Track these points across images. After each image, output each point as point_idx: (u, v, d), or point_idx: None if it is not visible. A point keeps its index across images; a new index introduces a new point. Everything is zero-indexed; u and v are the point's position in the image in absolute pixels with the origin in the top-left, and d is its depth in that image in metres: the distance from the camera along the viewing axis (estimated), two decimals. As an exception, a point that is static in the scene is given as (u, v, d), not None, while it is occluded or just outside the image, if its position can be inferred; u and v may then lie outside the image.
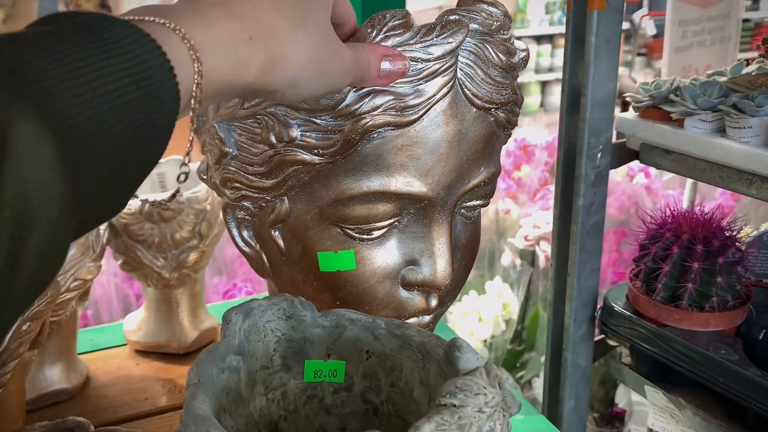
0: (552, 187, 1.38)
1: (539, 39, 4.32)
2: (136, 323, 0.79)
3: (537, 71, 4.33)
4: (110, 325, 0.87)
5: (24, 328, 0.45)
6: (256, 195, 0.48)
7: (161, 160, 0.81)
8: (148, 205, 0.70)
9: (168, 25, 0.29)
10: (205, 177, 0.54)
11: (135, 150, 0.27)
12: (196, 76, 0.29)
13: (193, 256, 0.75)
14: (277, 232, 0.49)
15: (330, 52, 0.36)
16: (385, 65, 0.39)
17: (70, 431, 0.47)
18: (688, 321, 0.74)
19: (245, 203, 0.49)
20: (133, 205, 0.70)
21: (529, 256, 1.42)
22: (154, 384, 0.75)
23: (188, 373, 0.35)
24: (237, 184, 0.47)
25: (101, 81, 0.25)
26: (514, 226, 1.49)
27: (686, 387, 0.78)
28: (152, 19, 0.29)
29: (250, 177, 0.46)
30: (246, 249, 0.52)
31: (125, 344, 0.81)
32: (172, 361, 0.78)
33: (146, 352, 0.79)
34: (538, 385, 1.44)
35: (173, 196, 0.40)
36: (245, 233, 0.51)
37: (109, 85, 0.25)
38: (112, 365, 0.78)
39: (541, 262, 1.40)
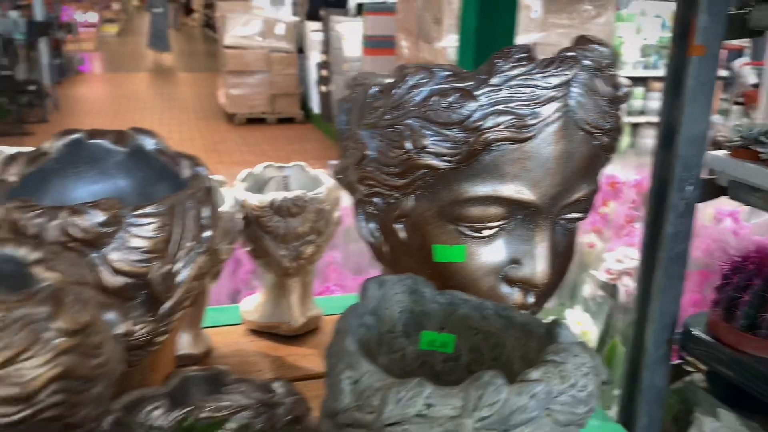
0: (637, 225, 1.42)
1: (633, 81, 4.31)
2: (253, 305, 0.90)
3: (629, 113, 4.31)
4: (228, 306, 0.98)
5: (193, 283, 0.56)
6: (387, 192, 0.56)
7: (287, 165, 0.92)
8: (279, 200, 0.80)
9: None
10: (340, 176, 0.63)
11: None
12: None
13: (310, 250, 0.84)
14: (399, 226, 0.58)
15: None
16: None
17: (216, 377, 0.57)
18: (766, 349, 0.78)
19: (375, 199, 0.58)
20: (265, 199, 0.81)
21: (610, 289, 1.45)
22: (265, 359, 0.84)
23: (337, 323, 0.44)
24: (372, 182, 0.56)
25: None
26: (597, 260, 1.53)
27: (761, 413, 0.81)
28: None
29: (384, 176, 0.55)
30: (371, 239, 0.61)
31: (241, 323, 0.91)
32: (281, 342, 0.88)
33: (259, 331, 0.90)
34: (611, 416, 1.46)
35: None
36: (371, 225, 0.60)
37: None
38: (230, 340, 0.88)
39: (622, 296, 1.43)
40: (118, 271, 0.51)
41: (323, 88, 5.80)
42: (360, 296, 0.48)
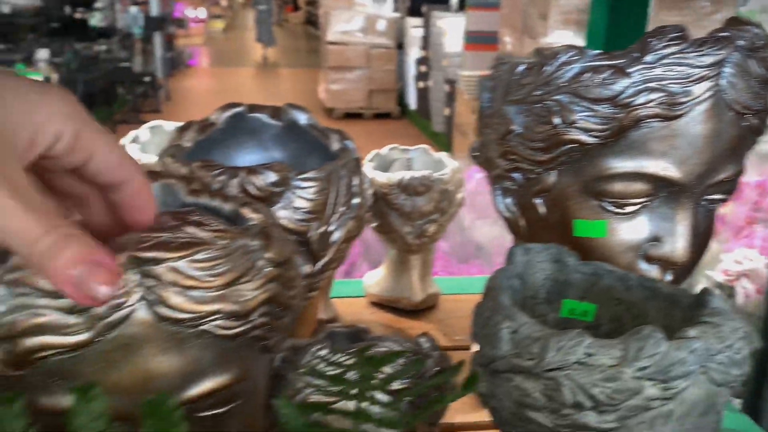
0: (759, 226, 1.37)
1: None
2: (375, 279, 0.94)
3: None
4: (350, 280, 1.03)
5: (342, 245, 0.60)
6: (529, 167, 0.59)
7: (411, 147, 0.95)
8: (407, 179, 0.84)
9: None
10: (477, 153, 0.66)
11: None
12: None
13: (433, 228, 0.88)
14: (539, 200, 0.60)
15: None
16: (82, 272, 0.27)
17: (358, 334, 0.61)
18: None
19: (515, 174, 0.61)
20: (394, 178, 0.85)
21: (727, 290, 1.41)
22: (386, 330, 0.89)
23: (488, 282, 0.47)
24: (514, 157, 0.59)
25: None
26: (714, 260, 1.49)
27: None
28: None
29: (528, 151, 0.58)
30: (506, 214, 0.63)
31: (363, 296, 0.96)
32: (401, 315, 0.92)
33: (380, 304, 0.94)
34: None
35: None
36: (508, 200, 0.63)
37: None
38: (353, 311, 0.93)
39: (740, 298, 1.39)
40: (283, 228, 0.56)
41: (421, 84, 5.84)
42: (507, 261, 0.51)
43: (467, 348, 0.79)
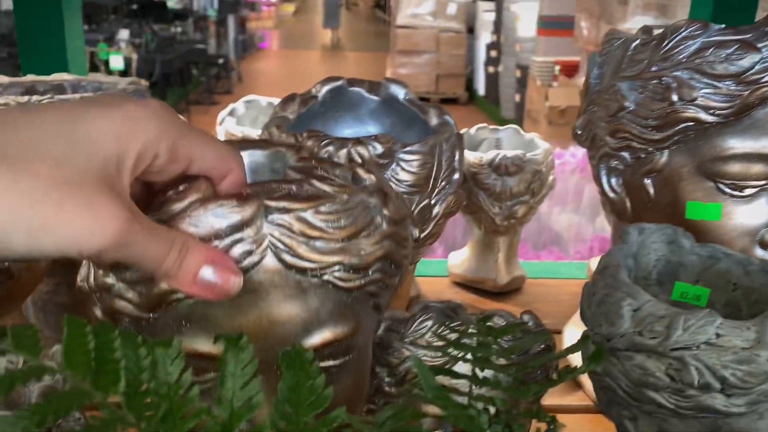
0: None
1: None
2: (460, 260, 0.94)
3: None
4: (433, 260, 1.03)
5: (441, 220, 0.60)
6: (640, 146, 0.57)
7: (500, 127, 0.94)
8: (498, 158, 0.83)
9: None
10: (580, 132, 0.65)
11: None
12: None
13: (522, 210, 0.87)
14: (648, 181, 0.58)
15: (60, 204, 0.25)
16: (207, 273, 0.30)
17: (453, 309, 0.61)
18: None
19: (624, 153, 0.59)
20: (485, 157, 0.84)
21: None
22: (471, 311, 0.88)
23: (604, 260, 0.46)
24: (625, 135, 0.57)
25: None
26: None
27: None
28: None
29: (640, 129, 0.56)
30: (611, 194, 0.62)
31: (446, 276, 0.96)
32: (485, 297, 0.91)
33: (464, 285, 0.94)
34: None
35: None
36: (613, 180, 0.61)
37: None
38: (436, 291, 0.93)
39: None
40: (387, 200, 0.56)
41: (491, 70, 5.76)
42: (621, 240, 0.50)
43: (558, 332, 0.78)
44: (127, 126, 0.28)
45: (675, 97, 0.52)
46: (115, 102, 0.29)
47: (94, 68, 4.87)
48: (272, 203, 0.33)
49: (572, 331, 0.75)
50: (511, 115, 5.34)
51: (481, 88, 6.34)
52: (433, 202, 0.59)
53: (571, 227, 1.60)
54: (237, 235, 0.32)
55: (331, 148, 0.54)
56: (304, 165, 0.37)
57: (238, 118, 0.85)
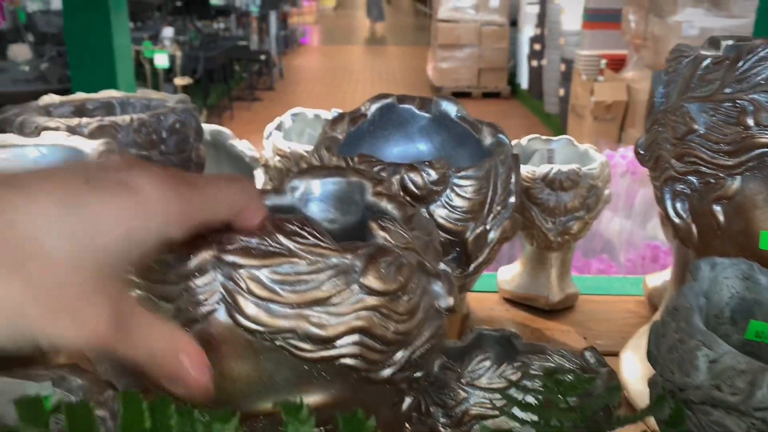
0: None
1: None
2: (510, 275, 0.91)
3: None
4: (483, 274, 1.01)
5: (496, 246, 0.58)
6: (709, 171, 0.54)
7: (553, 138, 0.91)
8: (553, 173, 0.80)
9: None
10: (642, 152, 0.62)
11: None
12: None
13: (577, 226, 0.83)
14: (718, 207, 0.55)
15: (47, 310, 0.24)
16: (194, 376, 0.29)
17: (507, 339, 0.58)
18: None
19: (691, 177, 0.56)
20: (537, 172, 0.81)
21: None
22: (524, 330, 0.86)
23: (674, 299, 0.43)
24: (693, 159, 0.54)
25: None
26: None
27: None
28: None
29: (711, 154, 0.53)
30: (676, 220, 0.58)
31: (495, 291, 0.93)
32: (536, 314, 0.89)
33: (514, 301, 0.91)
34: None
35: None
36: (679, 205, 0.58)
37: None
38: (485, 306, 0.91)
39: None
40: (440, 228, 0.54)
41: (534, 63, 5.67)
42: (691, 276, 0.47)
43: (614, 354, 0.75)
44: (128, 220, 0.27)
45: (751, 122, 0.49)
46: (117, 185, 0.27)
47: (139, 66, 4.96)
48: (226, 256, 0.31)
49: (630, 358, 0.72)
50: (555, 110, 5.24)
51: (524, 82, 6.24)
52: (488, 227, 0.57)
53: (622, 233, 1.55)
54: (186, 284, 0.31)
55: (383, 174, 0.53)
56: (281, 218, 0.33)
57: (285, 132, 0.84)
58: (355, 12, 12.54)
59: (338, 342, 0.32)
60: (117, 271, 0.27)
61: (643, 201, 1.53)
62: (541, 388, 0.37)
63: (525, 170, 0.82)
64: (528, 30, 5.85)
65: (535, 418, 0.36)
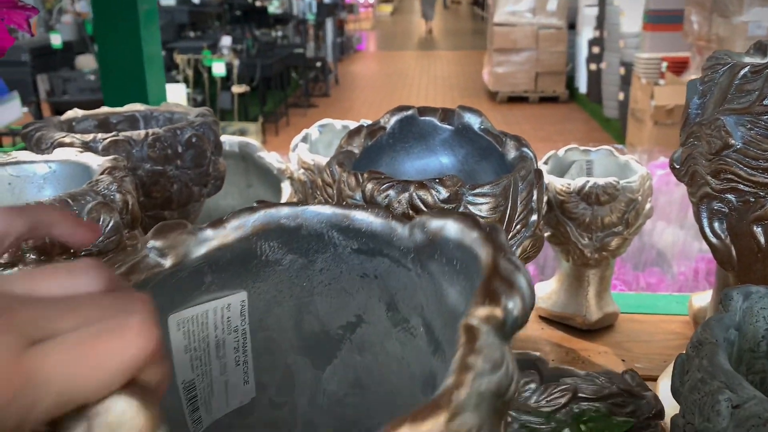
0: None
1: None
2: (546, 292, 0.87)
3: None
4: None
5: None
6: (748, 189, 0.49)
7: (592, 149, 0.87)
8: (588, 186, 0.76)
9: None
10: (678, 166, 0.57)
11: None
12: None
13: (615, 242, 0.79)
14: (759, 228, 0.50)
15: None
16: None
17: (533, 363, 0.55)
18: None
19: (729, 196, 0.51)
20: (573, 184, 0.77)
21: None
22: (559, 350, 0.82)
23: (700, 332, 0.39)
24: (730, 176, 0.50)
25: None
26: None
27: None
28: None
29: (749, 170, 0.48)
30: (714, 240, 0.54)
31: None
32: (573, 333, 0.84)
33: (550, 320, 0.87)
34: None
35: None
36: (716, 225, 0.53)
37: None
38: (519, 324, 0.87)
39: None
40: (453, 248, 0.51)
41: (593, 67, 5.53)
42: (722, 307, 0.43)
43: (653, 379, 0.70)
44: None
45: (792, 136, 0.45)
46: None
47: (198, 75, 5.08)
48: None
49: (668, 384, 0.67)
50: (615, 114, 5.09)
51: (582, 85, 6.10)
52: (506, 248, 0.53)
53: (675, 245, 1.47)
54: None
55: (391, 192, 0.50)
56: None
57: (311, 144, 0.82)
58: (412, 17, 12.54)
59: None
60: None
61: (699, 212, 1.45)
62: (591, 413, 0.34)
63: (560, 183, 0.78)
64: (587, 33, 5.71)
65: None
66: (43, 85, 5.04)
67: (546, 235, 0.83)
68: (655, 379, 0.71)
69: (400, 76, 7.86)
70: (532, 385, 0.45)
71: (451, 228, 0.31)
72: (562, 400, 0.46)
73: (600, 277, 0.83)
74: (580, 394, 0.43)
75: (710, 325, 0.40)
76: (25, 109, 3.60)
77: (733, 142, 0.48)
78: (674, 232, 1.53)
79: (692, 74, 3.80)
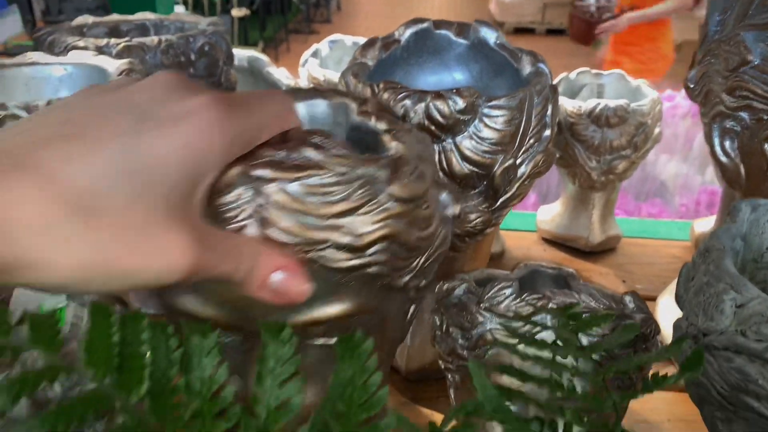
0: None
1: None
2: (551, 215, 0.89)
3: None
4: (521, 212, 0.98)
5: (527, 181, 0.55)
6: (762, 106, 0.50)
7: (603, 72, 0.86)
8: (599, 108, 0.76)
9: None
10: (692, 86, 0.57)
11: None
12: None
13: (623, 165, 0.80)
14: (770, 147, 0.51)
15: (131, 252, 0.25)
16: (275, 281, 0.30)
17: (563, 277, 0.56)
18: None
19: (742, 114, 0.51)
20: (584, 106, 0.77)
21: None
22: (560, 270, 0.83)
23: (708, 241, 0.40)
24: (746, 93, 0.50)
25: None
26: None
27: None
28: None
29: (765, 87, 0.48)
30: (723, 159, 0.55)
31: (534, 231, 0.91)
32: (575, 255, 0.86)
33: (553, 242, 0.89)
34: None
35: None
36: (727, 143, 0.54)
37: None
38: (523, 246, 0.89)
39: None
40: (467, 159, 0.52)
41: (602, -1, 5.39)
42: (729, 217, 0.44)
43: (652, 299, 0.72)
44: (191, 149, 0.27)
45: (812, 52, 0.45)
46: (169, 121, 0.27)
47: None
48: (253, 171, 0.30)
49: (667, 303, 0.69)
50: (622, 49, 5.00)
51: (590, 18, 5.96)
52: (518, 161, 0.54)
53: (677, 177, 1.48)
54: (214, 202, 0.30)
55: (408, 102, 0.50)
56: (306, 131, 0.33)
57: (321, 60, 0.82)
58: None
59: (368, 250, 0.33)
60: (185, 200, 0.27)
61: (703, 144, 1.46)
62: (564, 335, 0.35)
63: (571, 105, 0.78)
64: (597, -38, 5.54)
65: (545, 354, 0.34)
66: (39, 6, 4.92)
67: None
68: (654, 299, 0.73)
69: (403, 4, 7.66)
70: (507, 291, 0.47)
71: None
72: (529, 310, 0.47)
73: (605, 201, 0.84)
74: (550, 306, 0.45)
75: (718, 234, 0.41)
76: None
77: (751, 58, 0.48)
78: (678, 165, 1.54)
79: (702, 9, 3.71)
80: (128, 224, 0.25)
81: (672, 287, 0.71)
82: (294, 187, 0.31)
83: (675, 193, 1.44)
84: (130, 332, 0.23)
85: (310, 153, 0.32)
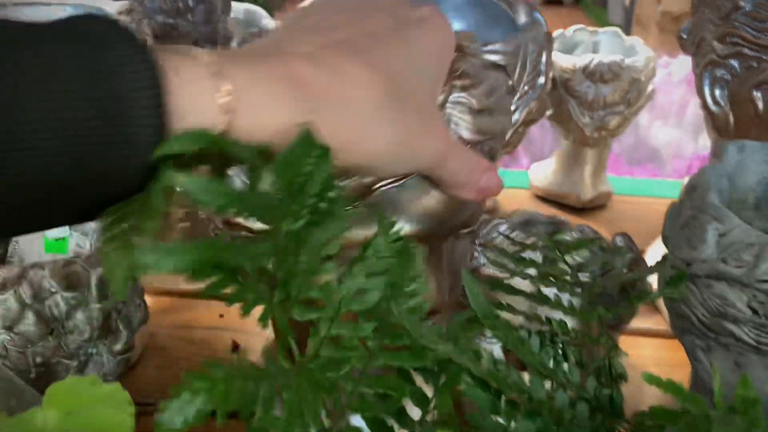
0: None
1: None
2: (543, 172, 0.90)
3: None
4: (514, 171, 0.99)
5: (521, 128, 0.57)
6: (753, 54, 0.51)
7: (599, 29, 0.87)
8: (593, 64, 0.77)
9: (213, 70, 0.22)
10: (685, 36, 0.58)
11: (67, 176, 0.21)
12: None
13: (615, 121, 0.81)
14: (758, 93, 0.52)
15: (422, 134, 0.28)
16: (485, 182, 0.32)
17: (557, 225, 0.57)
18: None
19: (732, 61, 0.52)
20: (578, 62, 0.78)
21: None
22: (551, 225, 0.85)
23: (693, 179, 0.42)
24: (737, 39, 0.51)
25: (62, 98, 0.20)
26: None
27: None
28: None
29: (755, 33, 0.49)
30: (713, 107, 0.56)
31: (526, 188, 0.92)
32: (567, 212, 0.87)
33: (545, 199, 0.90)
34: None
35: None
36: (717, 91, 0.55)
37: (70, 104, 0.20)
38: (515, 203, 0.90)
39: None
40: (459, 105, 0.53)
41: (601, -30, 5.34)
42: (716, 157, 0.45)
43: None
44: (443, 46, 0.30)
45: (802, -3, 0.45)
46: (421, 22, 0.29)
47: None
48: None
49: (656, 253, 0.71)
50: (620, 20, 4.96)
51: (588, -11, 5.91)
52: (513, 107, 0.55)
53: (670, 144, 1.49)
54: None
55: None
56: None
57: None
58: None
59: None
60: (438, 93, 0.31)
61: (697, 111, 1.47)
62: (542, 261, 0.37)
63: (565, 60, 0.79)
64: (597, -68, 5.48)
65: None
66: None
67: (547, 113, 0.85)
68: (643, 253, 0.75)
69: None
70: (501, 228, 0.48)
71: None
72: (529, 242, 0.48)
73: (598, 157, 0.85)
74: (540, 242, 0.46)
75: (704, 172, 0.42)
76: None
77: (742, 3, 0.49)
78: (670, 131, 1.55)
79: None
80: (424, 108, 0.28)
81: (660, 240, 0.73)
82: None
83: (667, 159, 1.45)
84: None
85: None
